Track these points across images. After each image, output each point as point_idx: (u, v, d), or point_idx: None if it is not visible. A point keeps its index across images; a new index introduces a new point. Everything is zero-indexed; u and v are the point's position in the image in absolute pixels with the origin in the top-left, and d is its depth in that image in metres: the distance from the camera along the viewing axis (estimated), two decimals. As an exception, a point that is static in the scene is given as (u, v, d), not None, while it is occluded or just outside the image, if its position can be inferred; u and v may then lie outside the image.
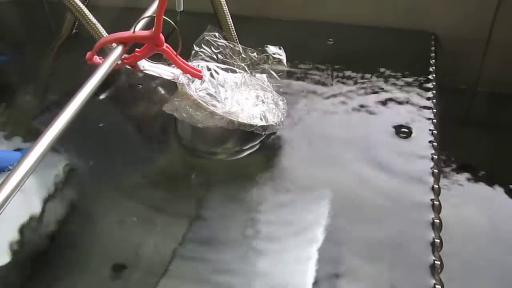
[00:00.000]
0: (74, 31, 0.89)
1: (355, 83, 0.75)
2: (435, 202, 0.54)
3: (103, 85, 0.78)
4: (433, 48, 0.86)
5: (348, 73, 0.78)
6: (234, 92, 0.62)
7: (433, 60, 0.82)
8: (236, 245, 0.51)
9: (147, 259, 0.50)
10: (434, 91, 0.73)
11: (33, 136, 0.58)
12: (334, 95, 0.73)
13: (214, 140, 0.64)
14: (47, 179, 0.60)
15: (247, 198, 0.57)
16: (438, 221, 0.52)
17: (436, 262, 0.48)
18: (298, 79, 0.76)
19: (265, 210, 0.55)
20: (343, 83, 0.75)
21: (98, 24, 0.78)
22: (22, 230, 0.54)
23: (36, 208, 0.57)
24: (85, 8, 0.80)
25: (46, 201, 0.58)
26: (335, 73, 0.78)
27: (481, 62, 0.92)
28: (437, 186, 0.56)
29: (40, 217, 0.56)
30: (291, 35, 0.87)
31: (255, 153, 0.63)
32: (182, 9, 0.70)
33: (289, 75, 0.76)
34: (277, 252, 0.50)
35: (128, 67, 0.60)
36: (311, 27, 0.92)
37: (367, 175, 0.59)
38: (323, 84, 0.75)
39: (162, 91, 0.74)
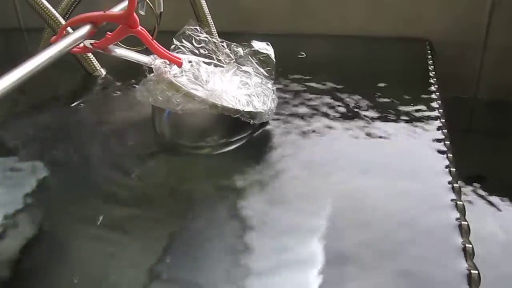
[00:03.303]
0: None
1: (353, 93, 0.70)
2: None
3: (76, 93, 0.74)
4: (430, 55, 0.82)
5: (344, 83, 0.72)
6: (217, 75, 0.56)
7: (432, 67, 0.77)
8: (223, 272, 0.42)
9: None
10: (440, 104, 0.67)
11: None
12: (332, 106, 0.67)
13: (196, 133, 0.57)
14: (14, 195, 0.53)
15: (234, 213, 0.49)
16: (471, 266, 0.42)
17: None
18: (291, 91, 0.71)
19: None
20: (340, 93, 0.70)
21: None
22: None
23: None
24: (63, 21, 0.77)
25: (9, 219, 0.50)
26: (329, 83, 0.73)
27: (479, 69, 0.88)
28: (466, 224, 0.46)
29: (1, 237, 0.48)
30: (283, 49, 0.83)
31: (242, 148, 0.56)
32: (162, 10, 0.66)
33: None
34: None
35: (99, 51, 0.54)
36: (304, 40, 0.89)
37: (376, 191, 0.51)
38: (317, 94, 0.70)
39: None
